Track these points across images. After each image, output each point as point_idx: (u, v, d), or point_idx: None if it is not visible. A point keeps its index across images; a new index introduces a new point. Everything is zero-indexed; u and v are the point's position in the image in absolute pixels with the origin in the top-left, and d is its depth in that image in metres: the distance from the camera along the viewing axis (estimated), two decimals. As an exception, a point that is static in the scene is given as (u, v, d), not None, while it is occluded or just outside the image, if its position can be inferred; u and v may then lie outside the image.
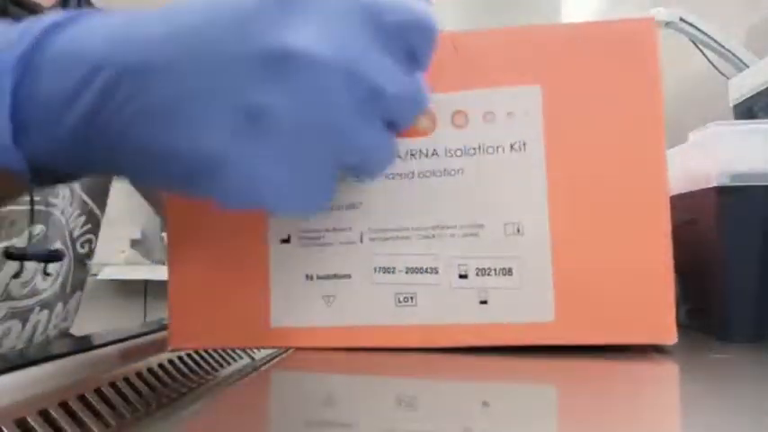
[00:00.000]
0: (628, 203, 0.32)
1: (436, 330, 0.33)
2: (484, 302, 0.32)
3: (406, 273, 0.33)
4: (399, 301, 0.33)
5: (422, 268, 0.33)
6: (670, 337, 0.32)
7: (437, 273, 0.33)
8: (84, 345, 0.35)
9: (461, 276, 0.32)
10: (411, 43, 0.26)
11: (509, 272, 0.32)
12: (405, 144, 0.33)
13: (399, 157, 0.33)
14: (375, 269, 0.33)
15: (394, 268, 0.33)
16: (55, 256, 0.59)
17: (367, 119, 0.26)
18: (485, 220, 0.33)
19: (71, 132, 0.27)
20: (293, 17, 0.25)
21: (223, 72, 0.25)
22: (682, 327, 0.47)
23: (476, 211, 0.33)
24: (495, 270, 0.32)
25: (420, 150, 0.33)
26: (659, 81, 0.32)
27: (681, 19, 1.14)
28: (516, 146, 0.32)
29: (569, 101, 0.33)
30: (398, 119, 0.27)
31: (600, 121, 0.32)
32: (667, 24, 1.15)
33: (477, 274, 0.32)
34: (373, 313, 0.33)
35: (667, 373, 0.32)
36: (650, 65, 0.32)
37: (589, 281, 0.32)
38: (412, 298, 0.33)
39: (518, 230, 0.32)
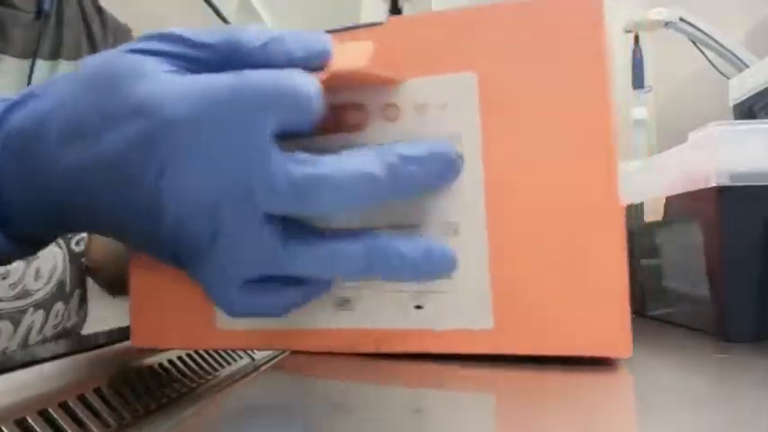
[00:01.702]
0: (574, 200, 0.29)
1: (372, 335, 0.31)
2: (419, 307, 0.30)
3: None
4: (337, 305, 0.32)
5: None
6: (622, 349, 0.29)
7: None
8: (84, 345, 0.35)
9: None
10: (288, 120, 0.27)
11: (445, 276, 0.30)
12: (336, 140, 0.31)
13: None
14: None
15: None
16: None
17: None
18: (420, 220, 0.30)
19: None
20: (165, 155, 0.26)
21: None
22: (682, 326, 0.47)
23: (411, 211, 0.30)
24: None
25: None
26: (606, 62, 0.29)
27: (681, 19, 1.14)
28: (451, 139, 0.30)
29: (508, 88, 0.30)
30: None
31: (542, 110, 0.30)
32: (667, 24, 1.15)
33: None
34: (312, 317, 0.32)
35: (658, 375, 0.32)
36: (596, 45, 0.29)
37: (531, 286, 0.29)
38: (349, 302, 0.31)
39: (454, 231, 0.30)
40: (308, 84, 0.26)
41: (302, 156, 0.27)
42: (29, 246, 0.32)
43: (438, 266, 0.29)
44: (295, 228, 0.28)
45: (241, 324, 0.32)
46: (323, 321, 0.32)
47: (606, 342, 0.29)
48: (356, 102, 0.31)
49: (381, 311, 0.31)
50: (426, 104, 0.30)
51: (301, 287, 0.29)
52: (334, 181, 0.26)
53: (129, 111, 0.26)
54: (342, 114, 0.31)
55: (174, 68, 0.27)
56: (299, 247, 0.27)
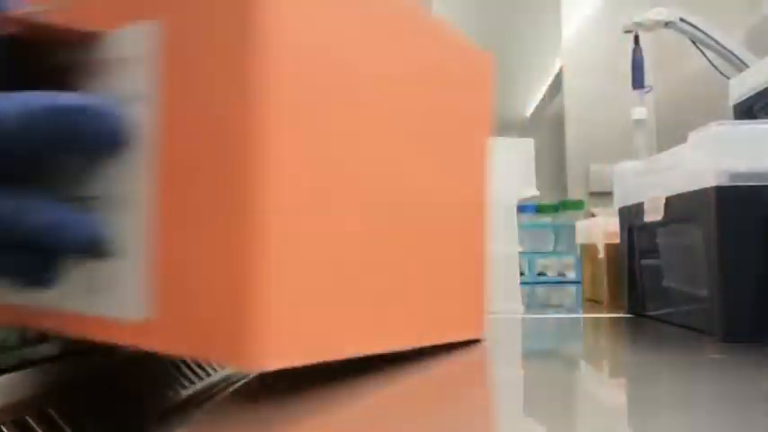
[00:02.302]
0: (246, 185, 0.23)
1: (58, 316, 0.28)
2: (90, 289, 0.27)
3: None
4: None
5: None
6: (262, 358, 0.23)
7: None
8: (81, 346, 0.35)
9: None
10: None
11: (108, 254, 0.26)
12: None
13: None
14: None
15: None
16: None
17: None
18: (99, 191, 0.27)
19: None
20: None
21: None
22: (681, 327, 0.47)
23: (94, 181, 0.27)
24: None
25: None
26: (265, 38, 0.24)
27: (681, 19, 1.14)
28: (128, 100, 0.26)
29: (197, 40, 0.25)
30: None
31: (218, 68, 0.24)
32: (667, 24, 1.16)
33: None
34: (31, 293, 0.28)
35: (666, 371, 0.32)
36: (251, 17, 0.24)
37: (196, 278, 0.24)
38: (54, 279, 0.28)
39: (123, 205, 0.26)
40: None
41: None
42: None
43: (63, 241, 0.26)
44: None
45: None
46: (32, 299, 0.29)
47: (238, 350, 0.23)
48: (67, 62, 0.28)
49: (64, 291, 0.28)
50: (122, 59, 0.27)
51: None
52: None
53: None
54: (59, 78, 0.29)
55: None
56: None
